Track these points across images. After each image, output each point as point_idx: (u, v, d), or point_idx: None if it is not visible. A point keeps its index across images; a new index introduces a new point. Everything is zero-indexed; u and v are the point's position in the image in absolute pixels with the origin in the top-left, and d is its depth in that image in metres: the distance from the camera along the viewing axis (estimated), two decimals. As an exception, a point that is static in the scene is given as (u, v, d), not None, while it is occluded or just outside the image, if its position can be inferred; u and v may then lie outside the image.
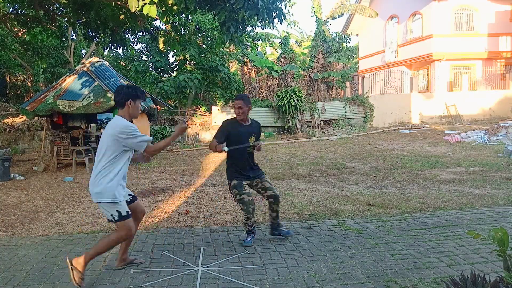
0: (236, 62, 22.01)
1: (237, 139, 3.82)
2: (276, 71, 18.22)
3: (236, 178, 3.86)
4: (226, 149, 3.69)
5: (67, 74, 10.75)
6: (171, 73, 18.67)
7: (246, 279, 3.14)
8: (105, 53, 22.09)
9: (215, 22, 12.83)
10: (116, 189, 3.13)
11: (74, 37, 18.19)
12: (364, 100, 16.80)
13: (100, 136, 11.12)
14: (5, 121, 14.73)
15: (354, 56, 24.88)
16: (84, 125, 10.94)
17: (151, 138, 3.30)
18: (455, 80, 18.69)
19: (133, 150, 3.23)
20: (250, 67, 19.89)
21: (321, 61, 18.28)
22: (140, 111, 9.51)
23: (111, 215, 3.14)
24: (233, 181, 3.86)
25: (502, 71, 18.75)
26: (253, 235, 3.98)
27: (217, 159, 10.52)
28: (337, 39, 18.96)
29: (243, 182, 3.85)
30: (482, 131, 12.20)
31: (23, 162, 11.80)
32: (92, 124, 10.84)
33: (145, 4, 5.67)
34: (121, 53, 22.24)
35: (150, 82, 17.10)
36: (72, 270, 3.03)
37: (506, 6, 18.20)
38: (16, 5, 9.43)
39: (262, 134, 15.61)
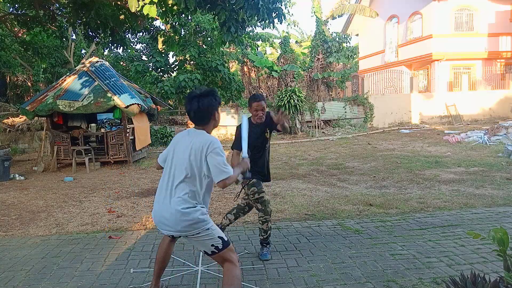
0: (236, 62, 22.02)
1: (254, 141, 3.43)
2: (276, 71, 18.23)
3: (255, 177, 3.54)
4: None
5: (67, 74, 10.75)
6: (171, 73, 18.67)
7: (246, 279, 3.14)
8: (105, 53, 22.08)
9: (215, 22, 12.83)
10: None
11: (74, 37, 18.18)
12: (364, 100, 16.81)
13: (100, 136, 11.10)
14: (5, 121, 14.72)
15: (354, 56, 24.89)
16: (84, 125, 10.93)
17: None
18: (455, 80, 18.69)
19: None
20: (250, 67, 19.92)
21: (321, 61, 18.28)
22: (139, 111, 9.57)
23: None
24: (252, 180, 3.48)
25: (502, 71, 18.75)
26: (269, 245, 3.64)
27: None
28: (337, 39, 18.97)
29: (261, 182, 3.62)
30: (482, 131, 12.20)
31: (23, 162, 11.80)
32: (92, 124, 10.84)
33: (145, 4, 5.67)
34: (121, 53, 22.23)
35: (150, 82, 17.10)
36: None
37: (506, 6, 18.20)
38: (16, 5, 9.43)
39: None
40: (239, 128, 3.43)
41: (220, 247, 2.44)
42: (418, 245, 3.73)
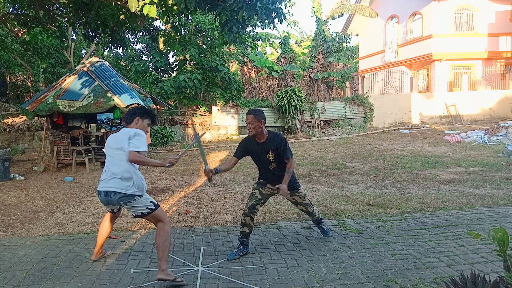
0: (236, 62, 22.01)
1: (256, 158, 3.75)
2: (276, 71, 18.21)
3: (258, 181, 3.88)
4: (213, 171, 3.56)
5: (67, 74, 10.74)
6: (171, 73, 18.66)
7: (246, 279, 3.15)
8: (105, 53, 22.07)
9: (215, 22, 12.81)
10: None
11: (74, 37, 18.16)
12: (364, 100, 16.80)
13: (100, 136, 11.09)
14: (5, 121, 14.73)
15: (354, 56, 24.87)
16: (84, 125, 10.94)
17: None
18: (455, 80, 18.69)
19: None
20: (250, 67, 19.89)
21: (321, 61, 18.27)
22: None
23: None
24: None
25: (502, 71, 18.74)
26: (242, 246, 3.67)
27: (216, 159, 10.53)
28: (337, 39, 18.94)
29: (266, 185, 3.77)
30: (482, 131, 12.20)
31: (23, 162, 11.80)
32: (92, 124, 10.84)
33: (145, 4, 5.67)
34: (121, 53, 22.21)
35: (150, 82, 17.10)
36: (170, 281, 3.07)
37: (506, 6, 18.19)
38: (16, 5, 9.43)
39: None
40: (243, 141, 3.81)
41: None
42: (418, 245, 3.73)
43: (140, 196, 3.23)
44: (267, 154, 3.64)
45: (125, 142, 3.20)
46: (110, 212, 3.59)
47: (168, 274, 3.07)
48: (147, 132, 3.50)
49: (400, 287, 2.91)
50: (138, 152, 3.16)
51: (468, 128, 14.22)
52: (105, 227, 3.60)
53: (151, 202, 3.27)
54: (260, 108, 16.14)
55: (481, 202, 5.23)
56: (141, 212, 3.23)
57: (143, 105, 3.47)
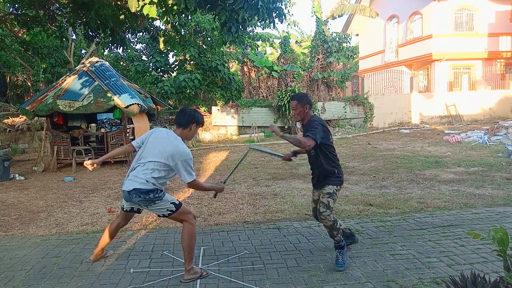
0: (236, 62, 22.02)
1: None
2: (276, 71, 18.22)
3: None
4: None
5: (67, 74, 10.75)
6: (171, 73, 18.67)
7: (246, 279, 3.14)
8: (105, 53, 22.08)
9: (215, 22, 12.80)
10: None
11: (74, 37, 18.18)
12: (364, 100, 16.81)
13: (100, 136, 11.10)
14: (5, 121, 14.73)
15: (354, 56, 24.88)
16: (84, 125, 10.94)
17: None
18: (455, 80, 18.69)
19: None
20: (250, 67, 19.90)
21: (321, 61, 18.27)
22: (139, 111, 9.57)
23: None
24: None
25: (502, 71, 18.74)
26: (342, 250, 3.35)
27: (217, 159, 10.53)
28: (337, 39, 18.95)
29: (313, 190, 3.63)
30: (482, 131, 12.20)
31: (23, 162, 11.80)
32: (92, 124, 10.85)
33: (145, 4, 5.67)
34: (121, 53, 22.23)
35: (150, 82, 17.11)
36: (195, 279, 3.14)
37: (506, 6, 18.19)
38: (16, 5, 9.43)
39: (262, 134, 15.73)
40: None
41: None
42: (418, 245, 3.73)
43: (160, 198, 3.13)
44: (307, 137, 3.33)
45: (170, 159, 3.05)
46: (126, 211, 3.42)
47: (193, 273, 3.15)
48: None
49: (400, 287, 2.91)
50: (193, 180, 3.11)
51: (468, 128, 14.21)
52: (108, 234, 3.53)
53: (171, 203, 3.17)
54: (260, 107, 16.16)
55: (481, 202, 5.23)
56: (163, 214, 3.20)
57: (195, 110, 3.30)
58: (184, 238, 3.16)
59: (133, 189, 3.06)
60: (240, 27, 6.89)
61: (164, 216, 3.21)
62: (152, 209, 3.16)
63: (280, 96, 15.54)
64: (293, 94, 3.86)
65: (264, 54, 25.79)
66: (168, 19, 6.91)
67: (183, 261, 3.23)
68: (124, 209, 3.38)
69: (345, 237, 3.51)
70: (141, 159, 3.17)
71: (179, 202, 3.24)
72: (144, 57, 21.34)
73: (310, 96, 3.44)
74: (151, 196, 3.06)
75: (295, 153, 3.71)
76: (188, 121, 3.22)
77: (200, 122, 3.30)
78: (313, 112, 3.47)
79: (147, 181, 3.04)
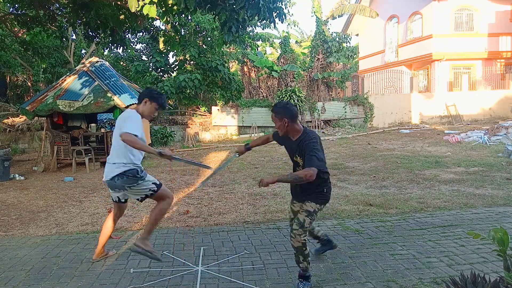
0: (236, 62, 22.01)
1: (289, 154, 3.17)
2: (276, 71, 18.22)
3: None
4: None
5: (67, 74, 10.75)
6: (171, 73, 18.67)
7: (246, 279, 3.15)
8: (105, 53, 22.06)
9: (215, 22, 12.79)
10: None
11: (74, 37, 18.16)
12: (364, 100, 16.81)
13: (100, 136, 11.10)
14: (5, 121, 14.73)
15: (354, 56, 24.88)
16: (84, 125, 10.94)
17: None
18: (455, 80, 18.68)
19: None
20: (250, 67, 19.89)
21: (321, 61, 18.27)
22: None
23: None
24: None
25: (502, 71, 18.74)
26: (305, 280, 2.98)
27: (217, 159, 10.52)
28: (337, 39, 18.95)
29: (293, 200, 3.26)
30: (482, 131, 12.19)
31: (23, 162, 11.79)
32: (92, 124, 10.85)
33: (145, 4, 5.67)
34: (121, 53, 22.21)
35: (150, 82, 17.09)
36: (145, 252, 3.19)
37: (506, 6, 18.19)
38: (16, 5, 9.42)
39: (262, 134, 15.74)
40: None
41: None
42: (418, 245, 3.73)
43: (142, 178, 3.26)
44: (294, 156, 3.05)
45: (121, 125, 3.19)
46: (116, 201, 3.52)
47: (146, 244, 3.19)
48: (154, 116, 3.44)
49: (400, 287, 2.91)
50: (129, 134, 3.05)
51: (468, 128, 14.21)
52: (107, 226, 3.60)
53: (153, 183, 3.31)
54: (260, 107, 16.15)
55: (481, 202, 5.23)
56: (145, 194, 3.30)
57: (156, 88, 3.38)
58: (155, 211, 3.29)
59: (113, 176, 3.21)
60: (240, 27, 6.88)
61: (146, 197, 3.30)
62: (135, 190, 3.25)
63: (280, 96, 15.55)
64: (274, 104, 3.45)
65: (264, 54, 25.78)
66: (168, 19, 6.91)
67: (183, 261, 3.23)
68: (114, 200, 3.52)
69: (322, 244, 3.51)
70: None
71: (160, 182, 3.38)
72: (144, 57, 21.33)
73: (293, 106, 3.00)
74: (129, 174, 3.20)
75: (248, 149, 3.51)
76: (141, 97, 3.37)
77: (153, 98, 3.32)
78: (302, 125, 3.05)
79: (124, 163, 3.19)
